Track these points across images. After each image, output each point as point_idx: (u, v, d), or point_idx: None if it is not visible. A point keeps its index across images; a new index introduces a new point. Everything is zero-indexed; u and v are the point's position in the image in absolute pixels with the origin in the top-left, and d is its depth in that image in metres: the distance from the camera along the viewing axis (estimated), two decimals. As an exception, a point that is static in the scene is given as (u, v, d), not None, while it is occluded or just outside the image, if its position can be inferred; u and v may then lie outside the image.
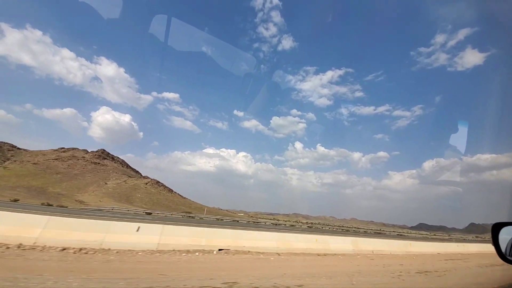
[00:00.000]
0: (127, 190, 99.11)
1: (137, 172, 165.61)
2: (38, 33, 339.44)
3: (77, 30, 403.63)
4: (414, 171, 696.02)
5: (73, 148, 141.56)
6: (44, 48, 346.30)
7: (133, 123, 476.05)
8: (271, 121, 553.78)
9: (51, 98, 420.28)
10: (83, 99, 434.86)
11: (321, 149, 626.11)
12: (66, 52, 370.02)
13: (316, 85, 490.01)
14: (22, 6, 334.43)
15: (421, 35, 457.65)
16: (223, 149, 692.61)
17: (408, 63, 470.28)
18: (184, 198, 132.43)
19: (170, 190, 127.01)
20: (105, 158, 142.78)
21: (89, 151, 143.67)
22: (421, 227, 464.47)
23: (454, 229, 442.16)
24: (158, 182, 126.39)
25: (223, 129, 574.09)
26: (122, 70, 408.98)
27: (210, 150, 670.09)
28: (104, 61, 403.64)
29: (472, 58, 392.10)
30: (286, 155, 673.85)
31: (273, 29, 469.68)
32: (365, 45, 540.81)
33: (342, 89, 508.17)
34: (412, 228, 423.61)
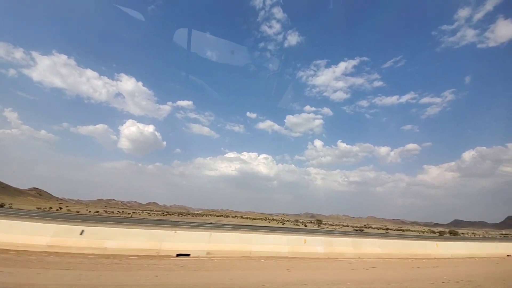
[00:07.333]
0: None
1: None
2: (64, 57, 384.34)
3: (96, 51, 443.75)
4: (453, 163, 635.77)
5: None
6: (70, 71, 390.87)
7: (156, 133, 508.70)
8: (285, 120, 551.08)
9: (83, 115, 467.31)
10: (111, 115, 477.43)
11: (342, 145, 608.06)
12: (90, 72, 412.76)
13: (330, 79, 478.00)
14: (47, 33, 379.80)
15: (441, 11, 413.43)
16: (244, 153, 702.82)
17: (431, 44, 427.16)
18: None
19: None
20: None
21: None
22: (456, 224, 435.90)
23: (494, 225, 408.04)
24: None
25: (240, 133, 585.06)
26: (140, 83, 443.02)
27: (231, 154, 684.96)
28: (124, 77, 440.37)
29: (505, 30, 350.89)
30: (306, 154, 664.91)
31: (276, 26, 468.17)
32: (379, 29, 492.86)
33: (359, 80, 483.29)
34: (438, 225, 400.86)
